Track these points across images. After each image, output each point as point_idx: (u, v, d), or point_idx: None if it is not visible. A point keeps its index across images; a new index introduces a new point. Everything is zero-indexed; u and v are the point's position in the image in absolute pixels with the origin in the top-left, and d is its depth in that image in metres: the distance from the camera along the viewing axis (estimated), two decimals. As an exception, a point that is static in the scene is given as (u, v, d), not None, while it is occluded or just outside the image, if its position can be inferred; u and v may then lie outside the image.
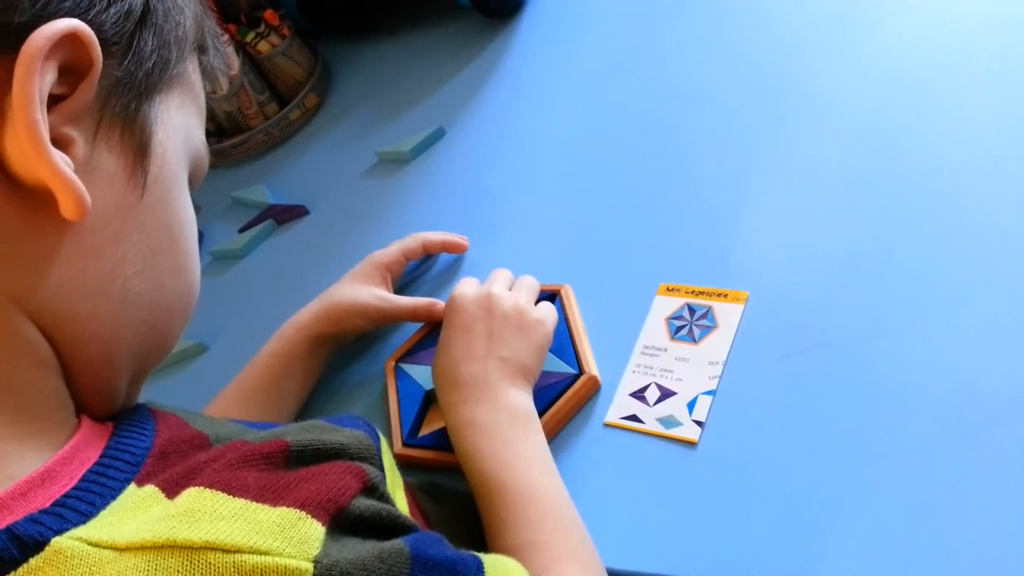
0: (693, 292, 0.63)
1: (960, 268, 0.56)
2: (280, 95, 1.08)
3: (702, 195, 0.70)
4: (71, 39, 0.31)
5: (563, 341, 0.64)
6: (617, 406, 0.59)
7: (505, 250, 0.76)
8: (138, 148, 0.35)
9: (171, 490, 0.32)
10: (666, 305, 0.63)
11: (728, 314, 0.61)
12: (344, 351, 0.76)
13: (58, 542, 0.29)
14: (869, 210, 0.62)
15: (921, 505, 0.47)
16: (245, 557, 0.29)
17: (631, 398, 0.59)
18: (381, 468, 0.38)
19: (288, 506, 0.31)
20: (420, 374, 0.67)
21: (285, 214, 0.94)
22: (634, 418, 0.58)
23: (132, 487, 0.33)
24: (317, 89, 1.08)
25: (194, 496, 0.31)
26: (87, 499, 0.31)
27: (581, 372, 0.61)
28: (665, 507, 0.53)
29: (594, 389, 0.61)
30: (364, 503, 0.33)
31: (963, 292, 0.55)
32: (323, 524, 0.31)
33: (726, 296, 0.62)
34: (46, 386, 0.34)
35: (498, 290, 0.62)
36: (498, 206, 0.81)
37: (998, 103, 0.63)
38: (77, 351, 0.35)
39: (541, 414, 0.60)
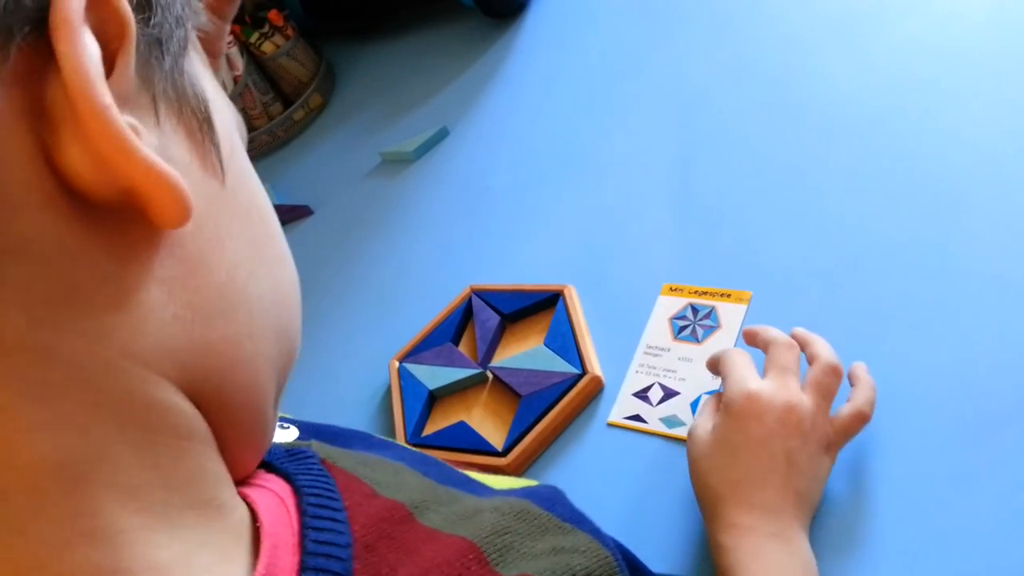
0: (696, 292, 0.63)
1: (963, 268, 0.56)
2: (284, 95, 1.08)
3: (705, 195, 0.70)
4: None
5: (566, 341, 0.64)
6: (620, 406, 0.59)
7: (509, 250, 0.76)
8: (201, 123, 0.26)
9: None
10: (669, 305, 0.64)
11: (731, 314, 0.61)
12: (347, 350, 0.76)
13: None
14: (872, 211, 0.62)
15: (924, 505, 0.47)
16: None
17: (634, 398, 0.59)
18: None
19: None
20: (423, 374, 0.67)
21: (289, 214, 0.95)
22: (637, 418, 0.58)
23: None
24: (321, 89, 1.08)
25: None
26: None
27: (584, 372, 0.61)
28: (668, 507, 0.53)
29: (597, 389, 0.61)
30: None
31: (966, 293, 0.55)
32: None
33: (729, 296, 0.62)
34: (207, 464, 0.25)
35: (797, 398, 0.48)
36: (501, 206, 0.81)
37: (1003, 104, 0.63)
38: (226, 388, 0.26)
39: (544, 414, 0.60)
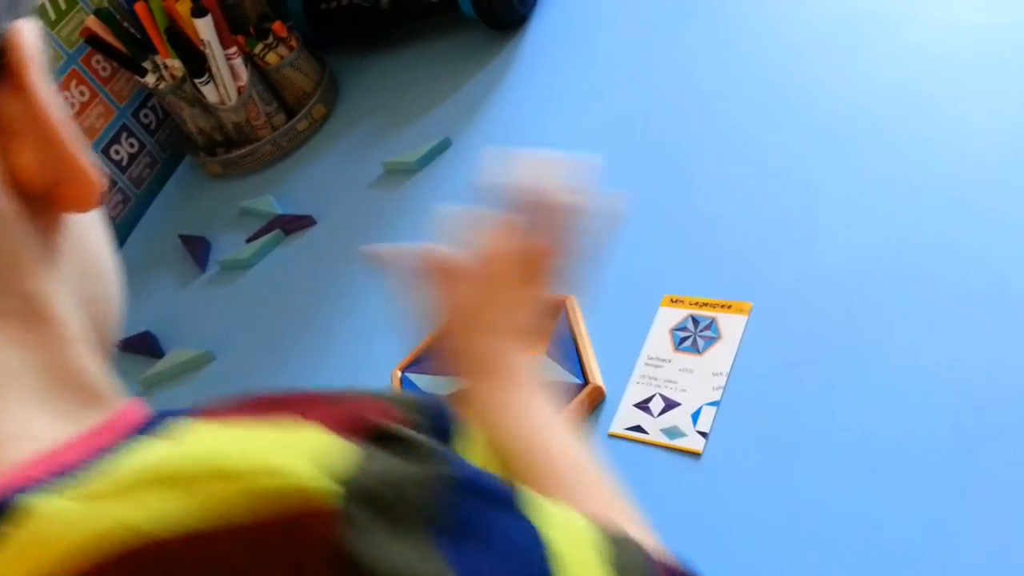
0: (697, 303, 0.64)
1: (963, 278, 0.56)
2: (288, 106, 1.09)
3: (706, 207, 0.71)
4: None
5: (568, 351, 0.64)
6: (621, 417, 0.60)
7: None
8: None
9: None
10: (670, 316, 0.64)
11: (732, 325, 0.61)
12: (349, 360, 0.76)
13: (27, 500, 0.24)
14: (872, 221, 0.62)
15: (925, 515, 0.47)
16: (257, 480, 0.23)
17: (635, 409, 0.60)
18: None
19: (311, 420, 0.26)
20: (426, 384, 0.68)
21: (292, 224, 0.95)
22: (638, 429, 0.58)
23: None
24: (324, 100, 1.09)
25: (194, 429, 0.26)
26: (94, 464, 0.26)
27: (586, 382, 0.62)
28: (669, 518, 0.53)
29: (598, 399, 0.61)
30: (402, 430, 0.27)
31: (966, 302, 0.55)
32: (353, 440, 0.26)
33: (730, 307, 0.62)
34: (87, 363, 0.33)
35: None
36: (504, 217, 0.81)
37: (1003, 113, 0.64)
38: (98, 317, 0.35)
39: (546, 424, 0.60)
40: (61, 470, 0.25)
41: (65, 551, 0.23)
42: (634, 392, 0.61)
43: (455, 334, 0.52)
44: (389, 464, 0.26)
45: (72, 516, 0.24)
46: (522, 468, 0.44)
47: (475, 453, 0.35)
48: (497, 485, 0.29)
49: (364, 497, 0.24)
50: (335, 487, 0.24)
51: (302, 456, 0.24)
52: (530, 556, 0.28)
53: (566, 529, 0.30)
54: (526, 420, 0.47)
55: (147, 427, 0.29)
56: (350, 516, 0.24)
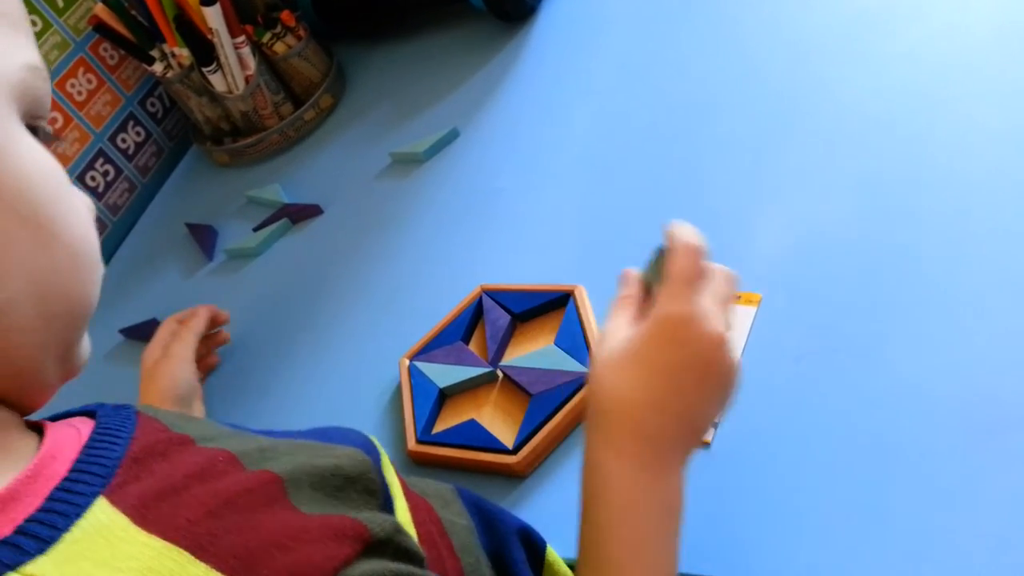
0: (706, 294, 0.64)
1: (972, 272, 0.56)
2: (295, 96, 1.09)
3: (715, 198, 0.71)
4: None
5: (577, 341, 0.64)
6: (630, 406, 0.60)
7: (519, 250, 0.77)
8: None
9: (140, 516, 0.29)
10: (679, 307, 0.64)
11: (741, 316, 0.61)
12: (357, 349, 0.76)
13: None
14: (881, 214, 0.62)
15: (934, 506, 0.48)
16: None
17: (644, 398, 0.60)
18: (384, 486, 0.36)
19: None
20: (434, 372, 0.68)
21: (299, 213, 0.95)
22: (647, 418, 0.58)
23: (101, 501, 0.30)
24: (332, 90, 1.09)
25: (160, 552, 0.28)
26: (50, 521, 0.29)
27: (594, 372, 0.62)
28: (677, 506, 0.54)
29: (607, 389, 0.61)
30: (364, 568, 0.30)
31: (975, 296, 0.55)
32: None
33: (739, 298, 0.62)
34: None
35: (726, 337, 0.44)
36: (511, 207, 0.81)
37: (1010, 110, 0.64)
38: None
39: (554, 414, 0.60)
40: (21, 532, 0.28)
41: None
42: (643, 382, 0.61)
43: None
44: None
45: None
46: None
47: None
48: None
49: None
50: None
51: None
52: None
53: None
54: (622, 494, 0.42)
55: (87, 466, 0.31)
56: None
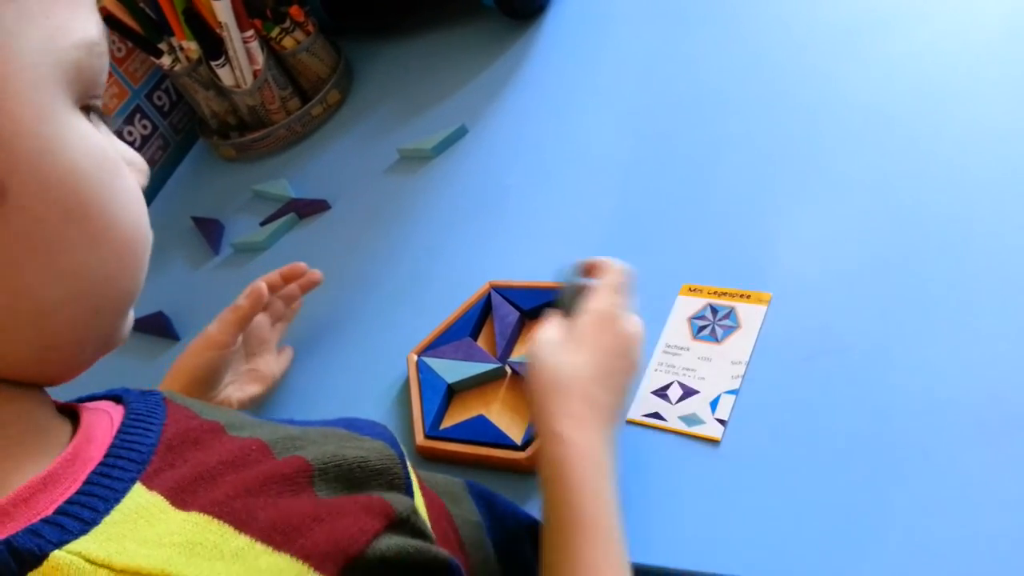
0: (716, 293, 0.64)
1: (982, 273, 0.56)
2: (303, 91, 1.09)
3: (725, 196, 0.71)
4: None
5: (586, 338, 0.64)
6: (639, 403, 0.60)
7: (527, 247, 0.77)
8: None
9: (178, 499, 0.31)
10: (688, 305, 0.64)
11: (751, 315, 0.61)
12: (365, 344, 0.76)
13: (56, 556, 0.28)
14: (892, 214, 0.62)
15: (943, 506, 0.48)
16: None
17: (653, 396, 0.60)
18: (407, 481, 0.37)
19: (292, 554, 0.29)
20: (442, 367, 0.68)
21: (307, 208, 0.95)
22: (656, 415, 0.59)
23: (139, 487, 0.31)
24: (339, 86, 1.09)
25: (200, 526, 0.30)
26: (90, 504, 0.30)
27: (604, 369, 0.62)
28: (687, 504, 0.54)
29: (616, 386, 0.62)
30: (389, 542, 0.31)
31: (985, 296, 0.55)
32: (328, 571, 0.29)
33: (749, 297, 0.62)
34: (27, 406, 0.33)
35: (639, 327, 0.55)
36: (519, 204, 0.81)
37: (1020, 111, 0.64)
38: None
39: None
40: (63, 513, 0.29)
41: None
42: (652, 379, 0.61)
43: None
44: None
45: None
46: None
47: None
48: None
49: None
50: None
51: None
52: None
53: None
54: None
55: (123, 451, 0.32)
56: None
